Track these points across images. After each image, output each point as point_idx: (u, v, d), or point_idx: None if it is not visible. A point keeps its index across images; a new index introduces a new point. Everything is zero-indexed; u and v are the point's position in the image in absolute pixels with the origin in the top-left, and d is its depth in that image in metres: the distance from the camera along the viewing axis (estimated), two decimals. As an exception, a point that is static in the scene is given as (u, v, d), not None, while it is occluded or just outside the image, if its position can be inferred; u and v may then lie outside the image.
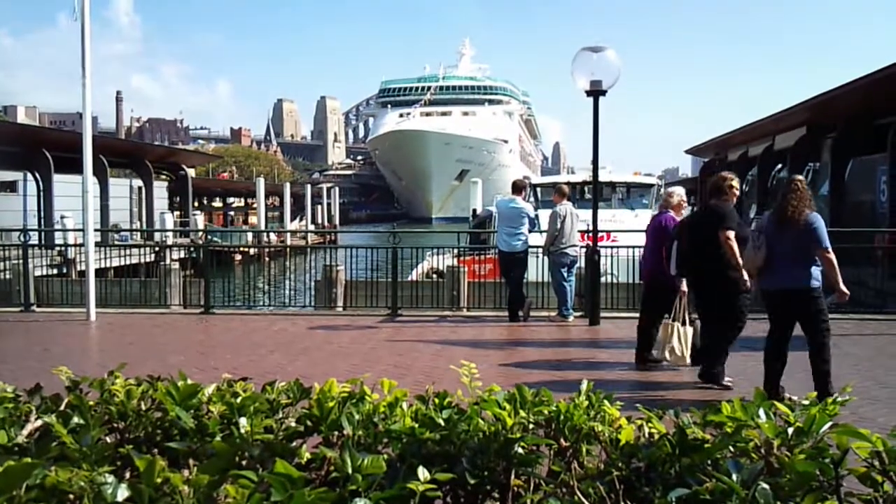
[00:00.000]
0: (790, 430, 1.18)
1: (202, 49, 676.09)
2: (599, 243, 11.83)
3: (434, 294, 13.53)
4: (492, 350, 9.46)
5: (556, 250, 11.63)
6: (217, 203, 71.14)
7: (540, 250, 12.08)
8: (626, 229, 16.74)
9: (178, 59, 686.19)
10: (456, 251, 15.91)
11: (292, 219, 58.55)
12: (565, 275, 11.68)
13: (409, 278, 14.83)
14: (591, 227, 11.65)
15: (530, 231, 11.80)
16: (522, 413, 1.10)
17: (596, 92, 11.16)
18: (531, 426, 1.16)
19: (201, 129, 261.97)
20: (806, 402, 1.29)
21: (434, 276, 15.38)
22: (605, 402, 1.19)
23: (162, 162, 41.09)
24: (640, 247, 13.84)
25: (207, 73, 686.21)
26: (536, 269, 12.26)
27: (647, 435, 1.10)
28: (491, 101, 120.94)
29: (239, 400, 1.14)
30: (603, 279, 12.14)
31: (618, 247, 13.94)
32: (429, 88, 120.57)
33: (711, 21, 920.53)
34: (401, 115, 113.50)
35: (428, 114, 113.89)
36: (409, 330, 10.98)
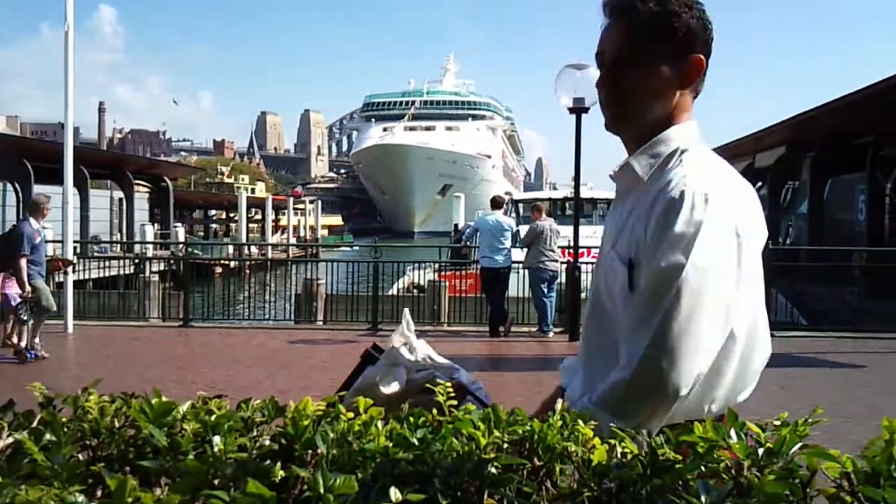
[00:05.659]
0: (760, 451, 1.19)
1: (186, 61, 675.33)
2: (581, 259, 11.90)
3: (415, 308, 13.52)
4: (471, 366, 9.45)
5: (535, 266, 11.68)
6: (196, 215, 70.76)
7: (521, 266, 12.13)
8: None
9: (162, 70, 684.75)
10: (437, 266, 15.92)
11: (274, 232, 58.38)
12: (545, 290, 11.73)
13: (390, 292, 14.82)
14: (571, 243, 11.72)
15: (512, 247, 11.86)
16: (496, 433, 1.11)
17: (578, 109, 11.26)
18: (505, 446, 1.16)
19: (184, 140, 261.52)
20: (777, 423, 1.30)
21: (415, 290, 15.38)
22: (580, 421, 1.20)
23: (143, 173, 40.86)
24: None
25: (191, 85, 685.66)
26: (517, 285, 12.29)
27: (619, 455, 1.10)
28: (474, 117, 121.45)
29: (213, 418, 1.14)
30: (583, 295, 12.20)
31: (599, 263, 14.01)
32: (413, 103, 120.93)
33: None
34: (384, 129, 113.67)
35: (412, 128, 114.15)
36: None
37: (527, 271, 11.98)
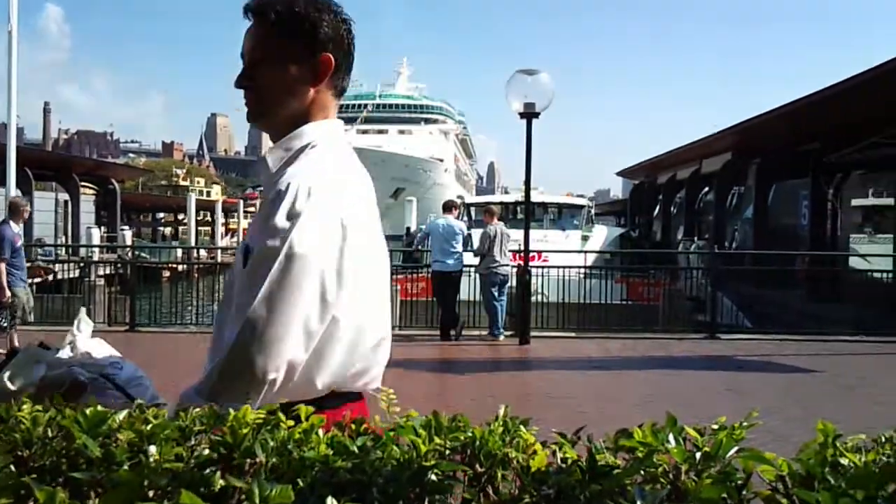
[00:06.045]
0: (698, 455, 1.20)
1: (135, 61, 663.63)
2: (531, 263, 11.96)
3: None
4: (422, 370, 9.45)
5: (487, 270, 11.72)
6: (145, 217, 69.60)
7: (473, 269, 12.16)
8: (557, 249, 16.98)
9: (110, 70, 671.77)
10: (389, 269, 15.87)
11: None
12: (496, 294, 11.77)
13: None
14: (522, 247, 11.78)
15: (464, 250, 11.88)
16: (437, 439, 1.11)
17: (529, 114, 11.32)
18: (447, 452, 1.16)
19: (132, 142, 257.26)
20: (715, 427, 1.32)
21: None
22: (522, 427, 1.20)
23: (90, 175, 40.02)
24: (571, 266, 14.14)
25: (140, 86, 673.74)
26: (468, 289, 12.32)
27: (559, 461, 1.11)
28: (427, 121, 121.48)
29: (149, 427, 1.11)
30: (534, 298, 12.27)
31: (549, 266, 14.11)
32: (365, 106, 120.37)
33: (650, 43, 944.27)
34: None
35: (364, 131, 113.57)
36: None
37: (478, 275, 12.01)
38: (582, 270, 14.55)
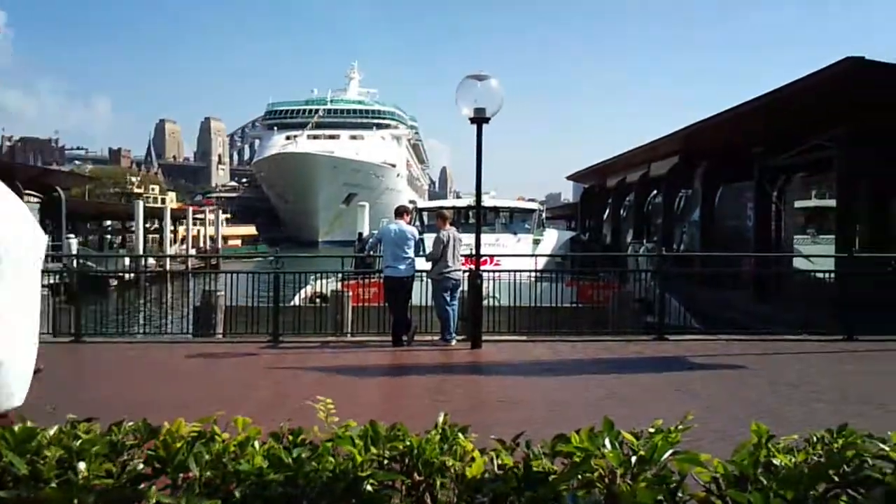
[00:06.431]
0: (633, 459, 1.21)
1: (81, 66, 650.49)
2: (483, 267, 11.99)
3: (317, 319, 13.37)
4: (373, 376, 9.42)
5: (439, 275, 11.72)
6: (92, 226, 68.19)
7: (425, 274, 12.14)
8: (509, 253, 17.05)
9: (55, 75, 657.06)
10: (341, 275, 15.78)
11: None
12: (448, 299, 11.77)
13: (292, 303, 14.60)
14: (474, 251, 11.80)
15: (416, 255, 11.86)
16: (374, 449, 1.10)
17: (479, 119, 11.35)
18: (385, 462, 1.15)
19: (78, 149, 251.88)
20: (652, 430, 1.34)
21: (318, 300, 15.20)
22: (461, 434, 1.20)
23: (34, 183, 39.14)
24: (522, 270, 14.21)
25: (86, 91, 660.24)
26: (420, 294, 12.30)
27: (496, 468, 1.11)
28: (379, 126, 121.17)
29: (79, 443, 1.09)
30: (485, 303, 12.29)
31: (500, 271, 14.15)
32: (316, 111, 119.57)
33: (601, 49, 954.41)
34: (287, 138, 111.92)
35: (315, 137, 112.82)
36: (291, 357, 10.79)
37: (430, 280, 12.00)
38: (533, 274, 14.63)
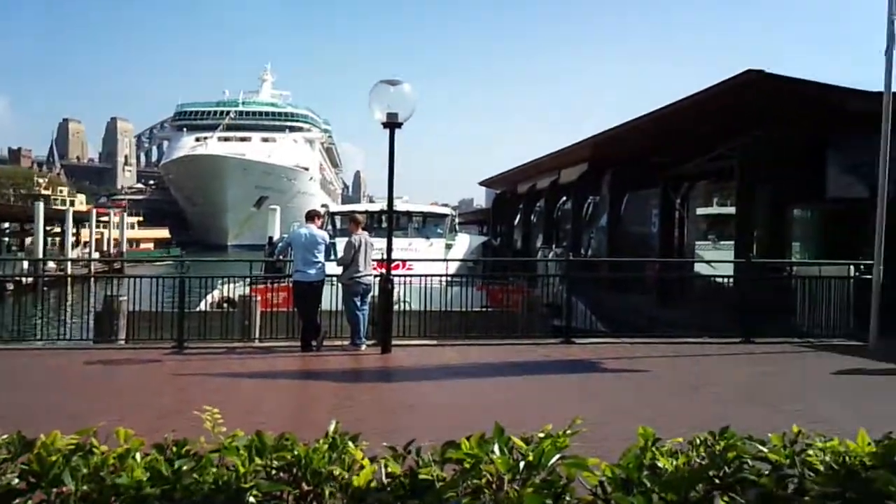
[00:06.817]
0: (522, 465, 1.22)
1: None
2: (395, 271, 11.97)
3: (224, 324, 13.09)
4: (280, 382, 9.29)
5: (349, 279, 11.64)
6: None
7: (335, 279, 12.04)
8: (421, 258, 17.08)
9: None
10: (249, 280, 15.50)
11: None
12: (358, 303, 11.70)
13: (198, 308, 14.27)
14: (385, 256, 11.77)
15: (326, 260, 11.76)
16: (258, 460, 1.08)
17: (392, 124, 11.33)
18: (273, 472, 1.13)
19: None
20: (542, 435, 1.35)
21: (225, 305, 14.88)
22: (350, 443, 1.19)
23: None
24: (434, 275, 14.24)
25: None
26: (330, 298, 12.19)
27: (383, 477, 1.10)
28: (292, 129, 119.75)
29: (-56, 459, 1.03)
30: (396, 307, 12.28)
31: (412, 275, 14.15)
32: (227, 113, 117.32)
33: (519, 58, 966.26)
34: (197, 140, 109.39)
35: (226, 139, 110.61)
36: (195, 363, 10.54)
37: (340, 285, 11.91)
38: (445, 278, 14.68)
